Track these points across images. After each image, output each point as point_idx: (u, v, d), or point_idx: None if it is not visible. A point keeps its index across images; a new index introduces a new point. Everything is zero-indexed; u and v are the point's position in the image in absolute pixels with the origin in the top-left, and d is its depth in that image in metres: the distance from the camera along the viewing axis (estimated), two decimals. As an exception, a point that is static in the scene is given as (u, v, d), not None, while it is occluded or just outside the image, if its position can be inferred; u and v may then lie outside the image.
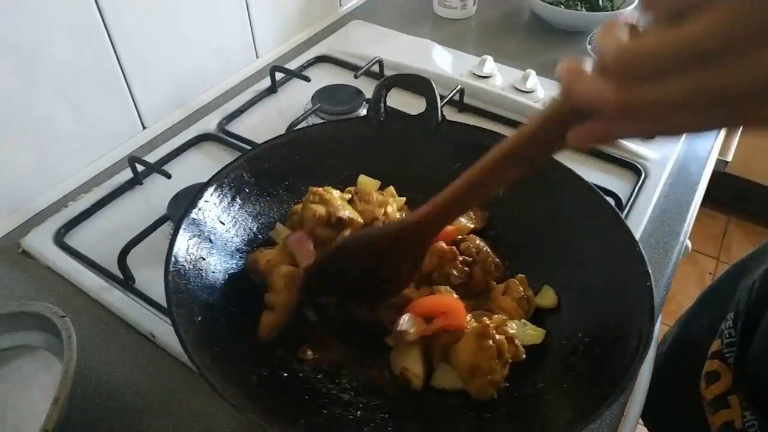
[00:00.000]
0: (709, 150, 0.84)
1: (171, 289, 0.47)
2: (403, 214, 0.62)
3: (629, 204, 0.72)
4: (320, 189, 0.57)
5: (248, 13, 0.93)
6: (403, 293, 0.54)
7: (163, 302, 0.60)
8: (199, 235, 0.54)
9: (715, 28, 0.25)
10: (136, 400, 0.55)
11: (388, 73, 0.92)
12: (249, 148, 0.78)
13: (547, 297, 0.56)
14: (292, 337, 0.53)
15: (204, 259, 0.53)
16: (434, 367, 0.52)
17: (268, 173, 0.62)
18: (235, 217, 0.58)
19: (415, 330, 0.50)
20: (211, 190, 0.56)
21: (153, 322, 0.59)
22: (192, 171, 0.76)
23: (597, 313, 0.52)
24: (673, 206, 0.75)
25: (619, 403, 0.58)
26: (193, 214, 0.54)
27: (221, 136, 0.82)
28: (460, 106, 0.88)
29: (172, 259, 0.49)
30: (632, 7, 1.06)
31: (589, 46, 0.97)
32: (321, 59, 0.99)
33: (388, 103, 0.65)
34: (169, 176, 0.71)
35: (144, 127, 0.84)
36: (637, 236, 0.64)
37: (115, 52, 0.76)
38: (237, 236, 0.58)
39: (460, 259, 0.55)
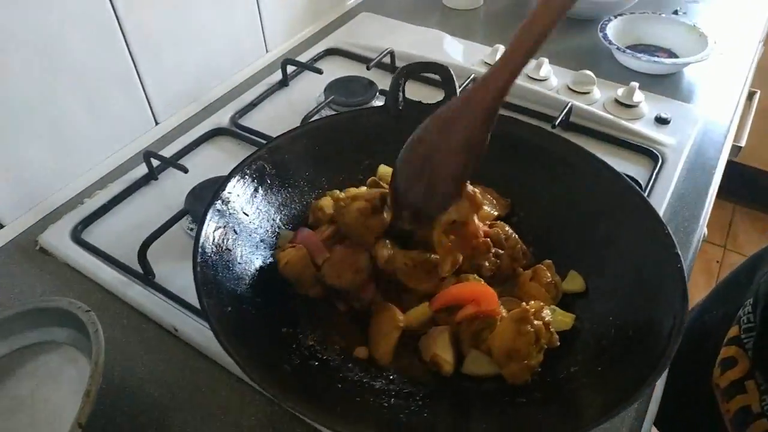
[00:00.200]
0: (725, 134, 0.84)
1: (200, 280, 0.46)
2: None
3: (647, 190, 0.72)
4: (334, 193, 0.59)
5: (258, 6, 0.92)
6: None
7: (185, 296, 0.60)
8: (225, 226, 0.53)
9: None
10: (162, 394, 0.54)
11: (399, 64, 0.91)
12: (263, 141, 0.78)
13: (575, 282, 0.56)
14: (321, 327, 0.53)
15: (230, 250, 0.52)
16: (464, 353, 0.51)
17: (288, 164, 0.61)
18: (258, 208, 0.58)
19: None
20: (234, 181, 0.56)
21: (175, 316, 0.59)
22: (206, 165, 0.75)
23: (626, 296, 0.52)
24: (692, 192, 0.75)
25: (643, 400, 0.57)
26: (217, 206, 0.53)
27: (234, 130, 0.82)
28: (474, 95, 0.87)
29: (200, 249, 0.49)
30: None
31: (600, 34, 0.97)
32: (331, 52, 0.99)
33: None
34: (186, 170, 0.70)
35: (157, 123, 0.84)
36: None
37: (128, 48, 0.75)
38: (261, 227, 0.57)
39: (493, 251, 0.54)
